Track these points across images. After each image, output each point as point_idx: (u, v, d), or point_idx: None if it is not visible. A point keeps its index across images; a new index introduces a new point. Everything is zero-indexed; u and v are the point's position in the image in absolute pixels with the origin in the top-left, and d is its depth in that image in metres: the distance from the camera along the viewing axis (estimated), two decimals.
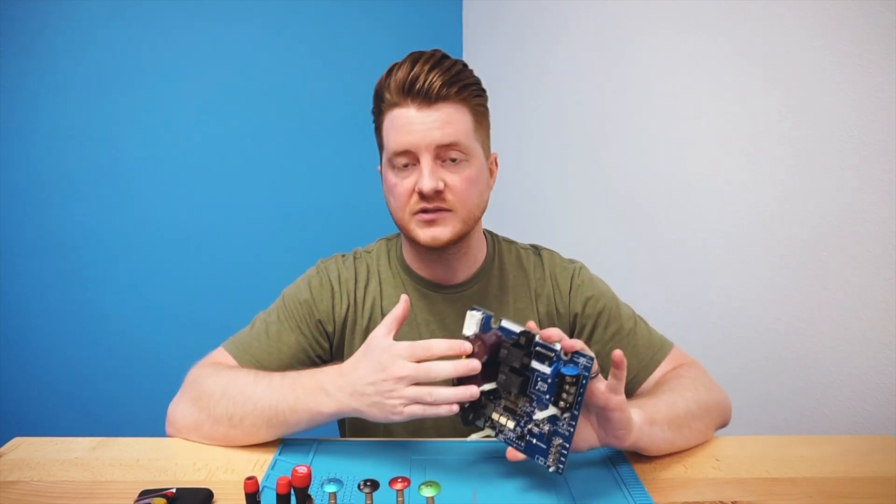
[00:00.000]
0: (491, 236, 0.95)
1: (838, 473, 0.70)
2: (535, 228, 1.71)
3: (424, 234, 0.80)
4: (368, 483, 0.58)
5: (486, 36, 1.98)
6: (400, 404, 0.64)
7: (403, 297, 0.69)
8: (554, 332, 0.63)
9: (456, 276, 0.89)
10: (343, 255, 0.94)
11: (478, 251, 0.90)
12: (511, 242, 0.96)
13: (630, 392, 0.87)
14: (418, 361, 0.64)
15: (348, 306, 0.89)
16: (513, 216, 1.80)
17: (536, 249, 0.95)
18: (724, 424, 0.82)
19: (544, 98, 1.63)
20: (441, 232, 0.80)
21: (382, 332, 0.67)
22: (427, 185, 0.77)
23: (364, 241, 0.98)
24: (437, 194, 0.78)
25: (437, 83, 0.76)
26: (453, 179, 0.79)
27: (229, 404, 0.73)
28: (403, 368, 0.63)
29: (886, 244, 0.84)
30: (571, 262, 0.94)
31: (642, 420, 0.67)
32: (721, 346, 1.09)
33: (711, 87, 1.11)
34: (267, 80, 1.96)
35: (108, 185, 1.87)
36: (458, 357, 0.64)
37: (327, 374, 0.70)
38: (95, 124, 1.84)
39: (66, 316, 1.88)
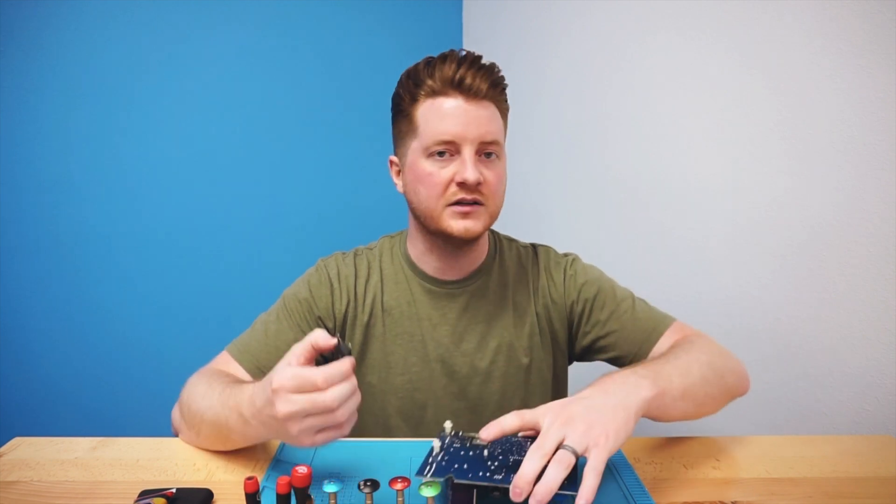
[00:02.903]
0: (492, 234, 0.97)
1: (838, 473, 0.70)
2: (537, 227, 1.70)
3: (458, 226, 0.81)
4: (368, 483, 0.58)
5: (486, 36, 1.98)
6: (305, 436, 0.58)
7: (321, 332, 0.61)
8: (494, 428, 0.60)
9: (460, 271, 0.90)
10: (343, 253, 0.95)
11: (482, 248, 0.92)
12: (511, 240, 0.98)
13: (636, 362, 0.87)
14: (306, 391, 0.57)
15: (348, 302, 0.90)
16: (514, 215, 1.80)
17: (534, 247, 0.97)
18: (741, 392, 0.80)
19: (544, 98, 1.63)
20: (474, 225, 0.81)
21: (283, 363, 0.60)
22: (472, 176, 0.78)
23: (366, 240, 0.98)
24: (477, 186, 0.79)
25: (486, 83, 0.79)
26: (489, 175, 0.81)
27: (190, 411, 0.73)
28: (288, 405, 0.57)
29: (886, 244, 0.84)
30: (566, 255, 0.97)
31: (654, 394, 0.64)
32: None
33: (711, 87, 1.11)
34: (268, 80, 1.96)
35: (108, 184, 1.87)
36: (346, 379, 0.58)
37: (244, 397, 0.64)
38: (98, 124, 1.84)
39: (67, 316, 1.88)
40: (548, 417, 0.58)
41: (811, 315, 0.95)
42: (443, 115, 0.79)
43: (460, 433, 0.72)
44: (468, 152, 0.79)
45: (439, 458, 0.63)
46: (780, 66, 0.98)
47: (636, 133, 1.33)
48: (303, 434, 0.58)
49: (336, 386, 0.57)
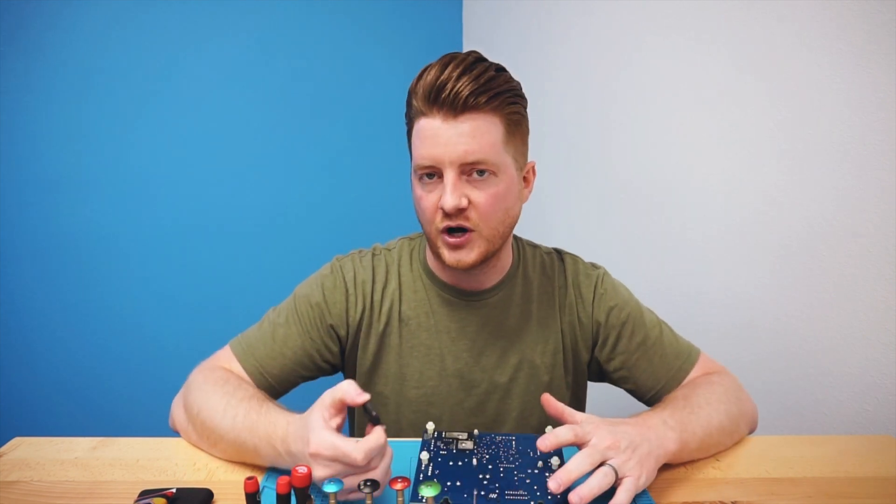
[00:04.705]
0: (516, 241, 0.92)
1: (838, 473, 0.70)
2: (538, 227, 1.70)
3: (450, 257, 0.77)
4: (368, 483, 0.58)
5: (487, 37, 1.98)
6: (340, 494, 0.58)
7: (352, 388, 0.61)
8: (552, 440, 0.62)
9: (481, 284, 0.86)
10: (360, 252, 0.90)
11: (505, 260, 0.87)
12: (535, 247, 0.93)
13: (658, 400, 0.86)
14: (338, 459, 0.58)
15: (363, 309, 0.86)
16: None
17: (560, 255, 0.92)
18: (750, 432, 0.82)
19: (545, 98, 1.63)
20: (466, 255, 0.77)
21: (318, 422, 0.60)
22: (449, 203, 0.73)
23: (374, 238, 0.95)
24: (460, 212, 0.74)
25: (465, 92, 0.71)
26: (478, 196, 0.75)
27: (203, 426, 0.72)
28: (326, 470, 0.58)
29: (886, 243, 0.84)
30: (594, 267, 0.91)
31: (677, 448, 0.68)
32: (720, 346, 1.09)
33: (712, 87, 1.11)
34: (271, 78, 1.97)
35: (106, 182, 1.87)
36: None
37: (278, 433, 0.64)
38: (105, 122, 1.84)
39: (67, 316, 1.88)
40: (596, 437, 0.62)
41: (811, 315, 0.95)
42: (423, 138, 0.74)
43: (444, 434, 0.73)
44: (448, 177, 0.73)
45: (429, 472, 0.66)
46: (781, 66, 0.98)
47: (637, 133, 1.33)
48: (338, 493, 0.59)
49: (376, 457, 0.59)
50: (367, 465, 0.58)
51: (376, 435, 0.59)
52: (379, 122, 2.05)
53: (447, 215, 0.75)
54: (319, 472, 0.58)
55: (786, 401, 0.99)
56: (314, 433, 0.59)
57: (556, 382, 0.88)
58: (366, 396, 0.61)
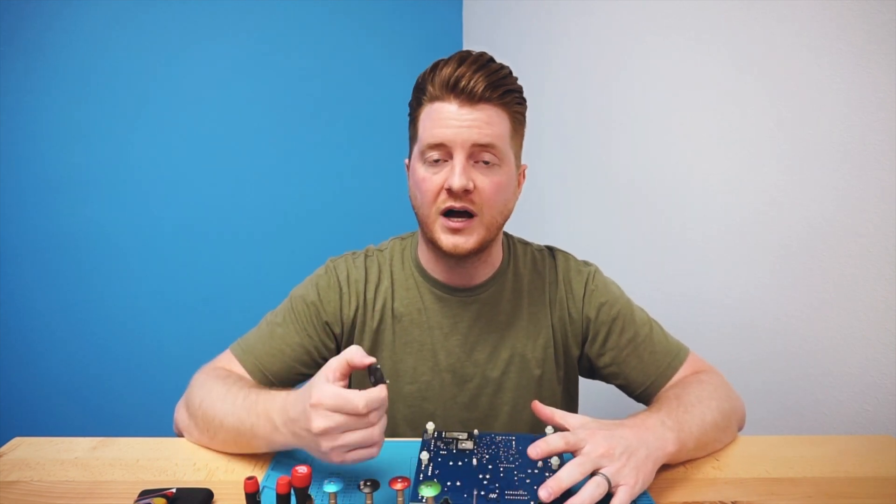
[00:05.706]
0: (507, 238, 0.93)
1: (838, 473, 0.71)
2: (537, 227, 1.70)
3: (448, 241, 0.78)
4: (368, 483, 0.58)
5: (487, 36, 1.98)
6: (336, 453, 0.59)
7: (358, 352, 0.62)
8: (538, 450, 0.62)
9: (472, 279, 0.87)
10: (354, 254, 0.92)
11: (495, 255, 0.89)
12: (526, 244, 0.95)
13: (647, 398, 0.87)
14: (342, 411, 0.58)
15: (357, 307, 0.88)
16: (515, 214, 1.80)
17: (551, 251, 0.94)
18: (739, 429, 0.82)
19: (545, 98, 1.63)
20: (465, 241, 0.78)
21: (321, 378, 0.60)
22: (457, 182, 0.75)
23: (374, 240, 0.97)
24: (466, 194, 0.76)
25: (482, 84, 0.75)
26: (483, 182, 0.77)
27: (205, 416, 0.73)
28: (325, 420, 0.58)
29: (886, 243, 0.84)
30: (586, 264, 0.93)
31: (676, 449, 0.67)
32: (720, 346, 1.09)
33: (712, 87, 1.11)
34: (270, 79, 1.97)
35: (106, 182, 1.87)
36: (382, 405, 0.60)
37: (276, 405, 0.66)
38: (105, 122, 1.84)
39: (67, 316, 1.88)
40: (590, 444, 0.62)
41: (811, 315, 0.95)
42: (436, 119, 0.77)
43: (444, 434, 0.73)
44: (458, 158, 0.75)
45: (429, 472, 0.65)
46: (780, 66, 0.98)
47: (637, 133, 1.33)
48: (334, 451, 0.59)
49: (377, 411, 0.59)
50: (368, 417, 0.58)
51: (378, 389, 0.59)
52: (379, 122, 2.05)
53: (452, 196, 0.76)
54: (319, 422, 0.58)
55: (786, 401, 0.99)
56: (317, 386, 0.60)
57: (548, 376, 0.89)
58: (371, 359, 0.61)
